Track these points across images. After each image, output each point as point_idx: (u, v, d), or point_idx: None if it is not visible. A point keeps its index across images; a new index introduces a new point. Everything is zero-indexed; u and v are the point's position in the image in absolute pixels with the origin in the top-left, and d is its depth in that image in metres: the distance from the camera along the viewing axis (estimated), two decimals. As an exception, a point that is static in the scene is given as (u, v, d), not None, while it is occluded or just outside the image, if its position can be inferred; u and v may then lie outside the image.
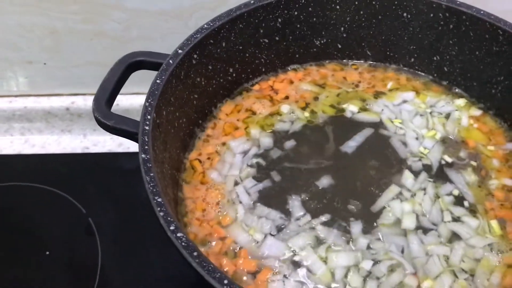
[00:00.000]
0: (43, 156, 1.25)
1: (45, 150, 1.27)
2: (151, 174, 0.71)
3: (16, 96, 1.27)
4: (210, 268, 0.63)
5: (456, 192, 0.88)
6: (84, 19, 1.13)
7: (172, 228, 0.67)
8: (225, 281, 0.62)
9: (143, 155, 0.73)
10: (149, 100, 0.80)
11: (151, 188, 0.70)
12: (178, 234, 0.66)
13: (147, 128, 0.77)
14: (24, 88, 1.26)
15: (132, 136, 0.79)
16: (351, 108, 1.01)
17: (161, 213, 0.68)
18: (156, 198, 0.69)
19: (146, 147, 0.75)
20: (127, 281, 1.02)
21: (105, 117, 0.81)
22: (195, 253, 0.64)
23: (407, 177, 0.90)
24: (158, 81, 0.83)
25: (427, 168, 0.91)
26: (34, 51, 1.19)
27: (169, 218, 0.67)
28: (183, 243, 0.65)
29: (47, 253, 1.05)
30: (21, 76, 1.24)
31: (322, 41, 1.06)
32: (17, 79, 1.25)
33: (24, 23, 1.13)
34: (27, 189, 1.15)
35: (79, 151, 1.27)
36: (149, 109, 0.79)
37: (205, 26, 0.92)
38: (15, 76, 1.24)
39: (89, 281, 1.00)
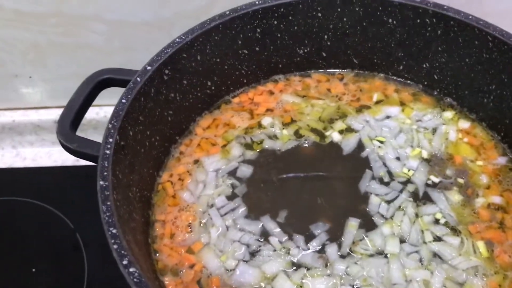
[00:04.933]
0: (33, 169, 1.24)
1: (36, 163, 1.26)
2: (108, 203, 0.68)
3: (3, 109, 1.26)
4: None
5: (439, 216, 0.83)
6: (64, 32, 1.11)
7: (125, 262, 0.64)
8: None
9: (101, 182, 0.70)
10: (112, 122, 0.76)
11: (106, 218, 0.67)
12: (131, 269, 0.63)
13: (108, 152, 0.73)
14: (11, 101, 1.25)
15: (95, 160, 0.75)
16: (334, 136, 0.95)
17: (115, 246, 0.65)
18: (111, 229, 0.66)
19: (105, 173, 0.71)
20: (113, 297, 0.99)
21: (68, 140, 0.79)
22: (147, 290, 0.61)
23: (374, 203, 0.85)
24: (123, 100, 0.79)
25: (410, 190, 0.86)
26: (19, 65, 1.17)
27: (122, 252, 0.64)
28: (135, 279, 0.62)
29: (33, 270, 1.04)
30: (7, 89, 1.22)
31: (305, 50, 1.01)
32: (4, 93, 1.23)
33: (5, 37, 1.12)
34: (16, 204, 1.13)
35: (70, 163, 1.25)
36: (112, 131, 0.75)
37: (177, 40, 0.88)
38: (1, 90, 1.23)
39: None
